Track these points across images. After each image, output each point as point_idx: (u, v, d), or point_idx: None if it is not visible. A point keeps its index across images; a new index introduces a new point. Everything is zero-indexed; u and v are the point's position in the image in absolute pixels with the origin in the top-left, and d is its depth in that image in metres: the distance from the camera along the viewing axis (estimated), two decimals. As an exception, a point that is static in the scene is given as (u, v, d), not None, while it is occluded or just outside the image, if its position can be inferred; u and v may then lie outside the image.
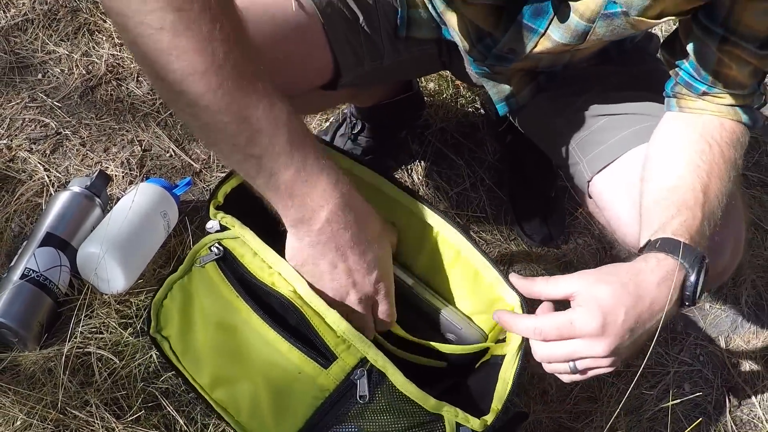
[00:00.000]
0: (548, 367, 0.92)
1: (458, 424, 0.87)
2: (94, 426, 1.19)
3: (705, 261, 0.90)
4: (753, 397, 1.52)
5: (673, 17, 0.98)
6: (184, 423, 1.22)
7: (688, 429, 1.27)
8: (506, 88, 1.26)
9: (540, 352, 0.90)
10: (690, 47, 1.01)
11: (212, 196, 0.97)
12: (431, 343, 1.03)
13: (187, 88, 0.78)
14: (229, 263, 0.94)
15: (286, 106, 0.83)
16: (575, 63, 1.22)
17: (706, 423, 1.46)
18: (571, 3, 1.00)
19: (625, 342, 0.86)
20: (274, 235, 0.93)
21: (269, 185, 0.84)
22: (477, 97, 1.77)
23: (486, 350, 1.04)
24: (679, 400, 1.42)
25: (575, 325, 0.86)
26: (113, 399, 1.23)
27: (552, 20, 1.03)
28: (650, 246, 0.91)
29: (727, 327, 1.60)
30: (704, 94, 1.03)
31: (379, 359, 0.88)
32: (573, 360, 0.89)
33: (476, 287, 1.02)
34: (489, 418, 0.89)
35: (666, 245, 0.90)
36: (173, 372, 1.00)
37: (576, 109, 1.23)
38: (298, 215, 0.86)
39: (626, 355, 0.89)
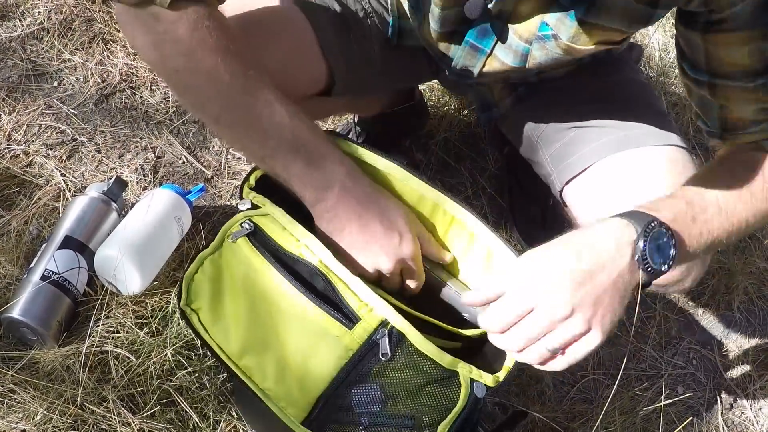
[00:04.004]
0: (524, 356, 0.86)
1: (472, 380, 0.92)
2: (111, 421, 1.22)
3: (655, 224, 0.85)
4: (744, 400, 1.55)
5: (605, 46, 1.03)
6: (198, 419, 1.25)
7: (680, 426, 1.31)
8: (488, 98, 1.31)
9: (509, 340, 0.85)
10: (696, 104, 1.04)
11: (245, 179, 1.05)
12: (449, 327, 1.05)
13: (207, 112, 0.97)
14: (259, 237, 0.99)
15: (286, 108, 0.96)
16: (551, 74, 1.25)
17: (698, 424, 1.49)
18: (510, 25, 1.05)
19: (584, 287, 0.82)
20: (301, 214, 1.01)
21: (286, 177, 0.97)
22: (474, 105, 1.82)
23: None
24: (671, 401, 1.45)
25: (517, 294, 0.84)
26: (129, 395, 1.26)
27: (497, 41, 1.08)
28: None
29: (720, 332, 1.64)
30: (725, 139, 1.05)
31: (398, 321, 0.93)
32: (542, 335, 0.83)
33: (490, 267, 1.06)
34: (501, 374, 0.94)
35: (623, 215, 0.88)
36: (200, 343, 1.05)
37: (550, 121, 1.27)
38: (314, 196, 0.97)
39: (592, 310, 0.82)
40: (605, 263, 0.83)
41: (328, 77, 1.19)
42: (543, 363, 0.86)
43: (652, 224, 0.85)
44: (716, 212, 0.93)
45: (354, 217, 0.97)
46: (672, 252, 0.86)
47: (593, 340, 0.83)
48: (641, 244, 0.84)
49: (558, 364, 0.86)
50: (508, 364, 0.96)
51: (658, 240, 0.85)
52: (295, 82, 1.16)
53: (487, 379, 0.93)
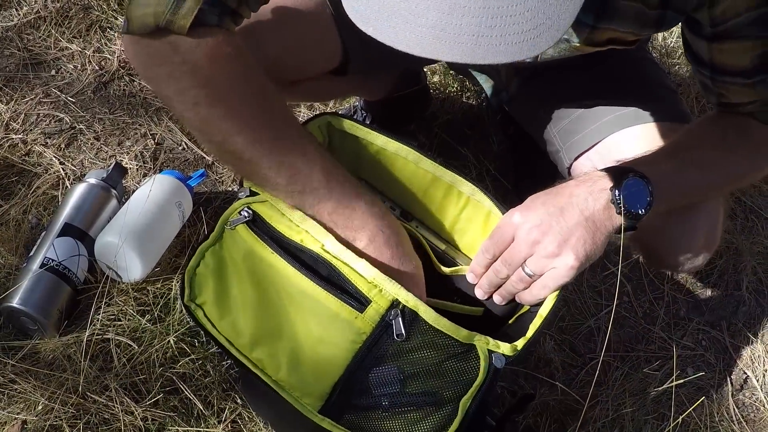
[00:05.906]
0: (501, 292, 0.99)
1: (490, 351, 0.91)
2: (113, 410, 1.20)
3: (630, 174, 0.94)
4: (755, 382, 1.53)
5: (617, 46, 1.05)
6: (202, 407, 1.24)
7: (691, 408, 1.29)
8: (498, 82, 1.29)
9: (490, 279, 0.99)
10: (698, 81, 1.07)
11: None
12: (464, 306, 1.06)
13: (229, 147, 0.88)
14: (258, 225, 0.96)
15: (316, 145, 0.91)
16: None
17: (708, 406, 1.47)
18: None
19: (554, 219, 0.93)
20: None
21: (315, 214, 0.92)
22: (482, 90, 1.80)
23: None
24: (682, 381, 1.44)
25: (498, 229, 0.97)
26: (132, 383, 1.24)
27: None
28: None
29: (729, 312, 1.61)
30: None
31: (410, 299, 0.90)
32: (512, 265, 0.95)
33: None
34: (519, 343, 0.93)
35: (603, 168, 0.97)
36: (208, 338, 1.02)
37: (557, 99, 1.26)
38: (344, 237, 0.92)
39: (563, 236, 0.92)
40: (577, 203, 0.93)
41: (343, 54, 1.18)
42: (526, 289, 0.97)
43: (628, 174, 0.94)
44: (696, 165, 1.02)
45: (380, 264, 0.94)
46: (648, 198, 0.94)
47: (567, 261, 0.92)
48: (617, 191, 0.92)
49: (539, 291, 0.95)
50: (529, 333, 0.94)
51: (633, 188, 0.93)
52: (311, 58, 1.16)
53: (505, 347, 0.91)
